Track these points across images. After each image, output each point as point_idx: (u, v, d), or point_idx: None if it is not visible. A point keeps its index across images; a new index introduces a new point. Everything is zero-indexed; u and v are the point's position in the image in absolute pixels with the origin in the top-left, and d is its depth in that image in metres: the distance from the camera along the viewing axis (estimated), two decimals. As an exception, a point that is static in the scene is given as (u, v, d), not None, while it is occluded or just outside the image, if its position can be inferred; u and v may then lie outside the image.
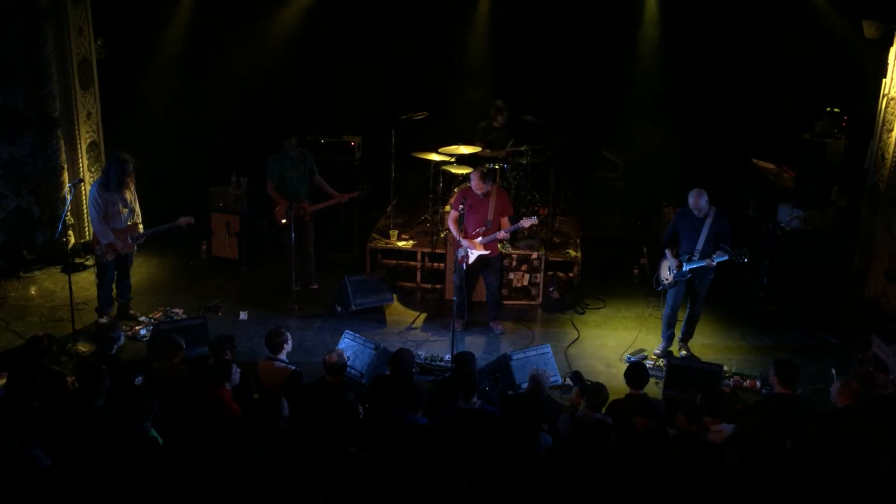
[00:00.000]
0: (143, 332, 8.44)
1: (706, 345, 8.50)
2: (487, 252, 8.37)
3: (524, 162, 10.05)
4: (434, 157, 9.99)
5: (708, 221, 7.73)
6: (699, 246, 7.75)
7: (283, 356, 6.79)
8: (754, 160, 10.25)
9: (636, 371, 6.41)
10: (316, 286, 9.58)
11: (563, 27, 10.77)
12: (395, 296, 9.39)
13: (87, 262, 9.96)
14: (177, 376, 6.40)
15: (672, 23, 10.72)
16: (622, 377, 6.59)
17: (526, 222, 8.27)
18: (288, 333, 6.86)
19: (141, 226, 8.47)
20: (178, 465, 5.18)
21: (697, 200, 7.68)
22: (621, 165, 10.87)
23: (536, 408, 5.67)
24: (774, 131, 10.07)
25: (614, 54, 10.92)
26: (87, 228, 10.10)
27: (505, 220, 8.37)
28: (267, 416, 5.46)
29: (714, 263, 7.68)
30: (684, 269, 7.83)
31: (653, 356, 8.23)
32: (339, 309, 9.09)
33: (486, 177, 8.27)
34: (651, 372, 7.45)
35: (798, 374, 6.44)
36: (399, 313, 9.21)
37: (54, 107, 9.90)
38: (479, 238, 8.31)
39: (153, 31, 10.96)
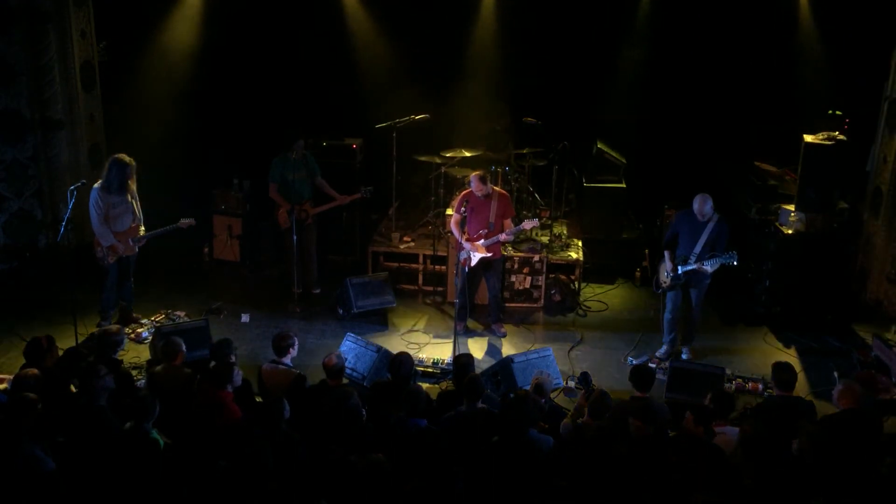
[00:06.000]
0: (144, 334, 8.45)
1: (708, 347, 8.48)
2: (489, 254, 8.37)
3: (526, 165, 10.05)
4: (436, 159, 9.99)
5: (709, 226, 7.71)
6: (697, 249, 7.74)
7: (287, 360, 6.77)
8: (757, 163, 10.25)
9: (641, 374, 6.34)
10: (318, 290, 9.58)
11: (566, 29, 10.76)
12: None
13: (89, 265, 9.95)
14: (178, 379, 6.40)
15: (674, 24, 10.71)
16: (625, 380, 6.57)
17: (528, 224, 8.29)
18: (295, 338, 6.83)
19: (142, 228, 8.48)
20: (180, 467, 5.18)
21: (703, 206, 7.66)
22: (623, 167, 10.86)
23: (521, 408, 5.62)
24: (777, 134, 10.06)
25: (615, 55, 10.91)
26: (89, 231, 10.09)
27: (508, 223, 8.37)
28: (269, 419, 5.46)
29: (708, 269, 7.67)
30: (679, 272, 7.83)
31: (655, 359, 8.22)
32: (340, 311, 9.09)
33: (485, 179, 8.27)
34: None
35: (796, 377, 6.44)
36: (401, 316, 9.21)
37: (57, 109, 9.93)
38: (482, 241, 8.32)
39: (156, 33, 10.95)
